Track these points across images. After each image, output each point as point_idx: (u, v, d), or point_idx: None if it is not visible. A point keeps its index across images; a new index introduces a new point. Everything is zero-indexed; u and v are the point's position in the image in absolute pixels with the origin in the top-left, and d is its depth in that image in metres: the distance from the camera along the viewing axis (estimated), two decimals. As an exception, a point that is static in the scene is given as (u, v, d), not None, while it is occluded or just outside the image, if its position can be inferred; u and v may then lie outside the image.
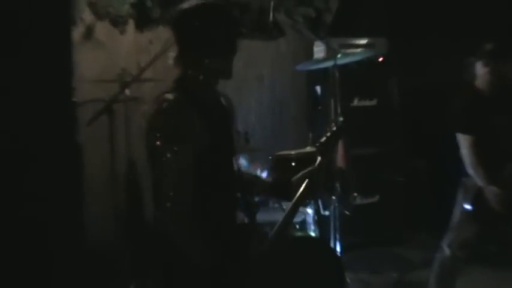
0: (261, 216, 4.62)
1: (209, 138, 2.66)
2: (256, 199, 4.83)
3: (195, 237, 2.58)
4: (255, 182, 3.12)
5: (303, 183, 2.91)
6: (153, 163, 2.65)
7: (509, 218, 4.40)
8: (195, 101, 2.69)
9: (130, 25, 5.69)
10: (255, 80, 6.76)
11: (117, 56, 5.57)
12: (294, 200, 2.89)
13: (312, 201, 5.22)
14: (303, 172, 2.96)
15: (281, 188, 3.04)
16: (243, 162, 5.33)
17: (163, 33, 5.47)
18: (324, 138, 3.00)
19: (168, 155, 2.56)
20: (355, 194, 5.45)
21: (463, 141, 4.43)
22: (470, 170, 4.40)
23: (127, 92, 4.69)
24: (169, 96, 2.68)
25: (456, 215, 4.56)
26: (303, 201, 2.94)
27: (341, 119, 5.09)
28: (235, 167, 2.97)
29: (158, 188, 2.60)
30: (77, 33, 5.20)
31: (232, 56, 2.80)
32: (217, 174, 2.75)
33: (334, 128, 3.04)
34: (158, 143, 2.59)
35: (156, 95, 2.79)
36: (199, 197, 2.62)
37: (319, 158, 2.97)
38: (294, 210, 2.91)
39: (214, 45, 2.71)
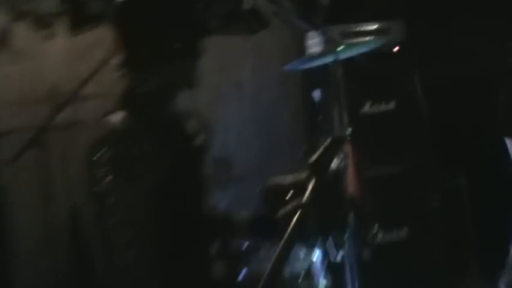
0: (254, 266, 4.64)
1: (167, 170, 2.68)
2: (245, 243, 4.88)
3: None
4: (231, 221, 3.18)
5: (291, 219, 2.84)
6: (100, 207, 2.66)
7: None
8: (147, 124, 2.71)
9: (61, 26, 5.69)
10: (233, 89, 6.82)
11: (44, 69, 5.58)
12: (281, 244, 2.81)
13: (320, 242, 5.22)
14: (291, 205, 3.10)
15: (263, 227, 3.05)
16: None
17: (108, 34, 5.47)
18: (317, 154, 2.96)
19: (118, 196, 2.58)
20: (376, 228, 5.42)
21: (515, 147, 4.41)
22: None
23: (62, 115, 4.66)
24: (114, 119, 2.69)
25: None
26: (293, 244, 2.87)
27: (349, 130, 5.08)
28: (209, 204, 3.00)
29: (110, 239, 2.61)
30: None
31: (196, 58, 2.85)
32: (182, 214, 2.75)
33: (330, 140, 3.01)
34: (102, 181, 2.60)
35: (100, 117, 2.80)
36: (163, 244, 2.65)
37: (313, 180, 2.92)
38: (282, 258, 2.83)
39: (169, 45, 2.75)
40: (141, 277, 2.58)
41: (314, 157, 2.97)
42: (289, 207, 3.00)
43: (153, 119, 2.75)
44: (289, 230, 2.81)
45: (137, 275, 2.58)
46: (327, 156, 2.99)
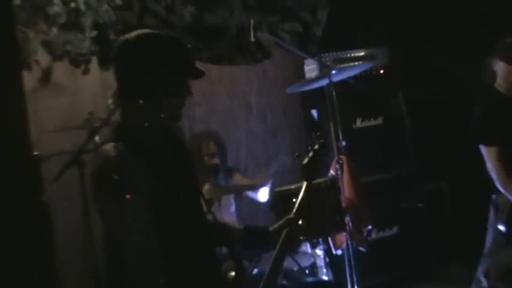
0: (263, 266, 4.66)
1: (161, 186, 2.61)
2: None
3: None
4: (223, 231, 3.06)
5: (281, 233, 2.92)
6: (107, 226, 2.62)
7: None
8: (139, 149, 2.63)
9: (94, 63, 5.73)
10: (243, 111, 6.81)
11: (81, 100, 5.59)
12: (274, 255, 2.89)
13: (321, 240, 5.23)
14: (280, 222, 2.99)
15: (257, 238, 3.04)
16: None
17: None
18: (306, 160, 3.05)
19: (121, 220, 2.51)
20: (370, 227, 5.43)
21: (489, 154, 4.46)
22: (500, 186, 4.42)
23: (97, 138, 4.67)
24: (107, 148, 2.61)
25: (489, 238, 4.56)
26: (284, 254, 2.94)
27: (344, 143, 5.10)
28: (207, 212, 2.94)
29: (126, 259, 2.53)
30: (33, 77, 5.23)
31: (182, 98, 2.75)
32: (181, 223, 2.70)
33: (316, 147, 3.08)
34: (104, 203, 2.55)
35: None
36: (167, 251, 2.57)
37: (305, 183, 3.01)
38: (276, 266, 2.90)
39: (156, 85, 2.66)
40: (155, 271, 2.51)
41: (305, 161, 3.06)
42: (277, 225, 2.95)
43: (143, 145, 2.66)
44: (278, 245, 2.88)
45: (152, 268, 2.50)
46: (315, 162, 3.07)
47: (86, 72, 5.67)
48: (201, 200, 2.89)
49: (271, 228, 2.98)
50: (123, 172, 2.53)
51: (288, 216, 2.97)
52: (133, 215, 2.51)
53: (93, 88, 5.68)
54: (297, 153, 3.17)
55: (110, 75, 5.52)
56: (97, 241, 4.42)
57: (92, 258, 4.46)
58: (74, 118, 5.19)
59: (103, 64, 5.75)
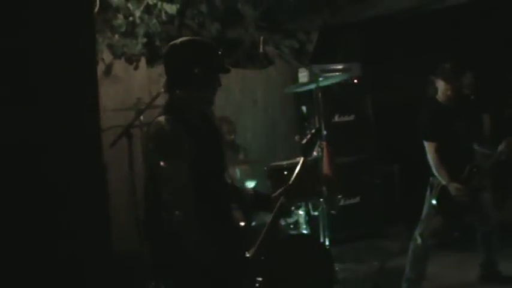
0: (259, 220, 4.69)
1: (196, 152, 2.63)
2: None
3: (202, 239, 2.57)
4: (238, 193, 3.04)
5: (278, 200, 2.87)
6: (155, 177, 2.62)
7: (467, 208, 4.47)
8: (182, 122, 2.65)
9: (143, 62, 5.74)
10: (250, 104, 6.80)
11: (132, 88, 5.60)
12: (272, 216, 2.85)
13: (304, 204, 5.26)
14: (279, 190, 2.92)
15: (261, 202, 3.00)
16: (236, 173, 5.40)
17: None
18: (304, 140, 2.98)
19: (168, 169, 2.55)
20: (340, 196, 5.48)
21: (429, 147, 4.50)
22: (435, 171, 4.47)
23: (142, 118, 4.71)
24: (161, 119, 2.65)
25: (425, 209, 4.61)
26: (278, 218, 2.90)
27: (325, 132, 5.15)
28: (227, 178, 2.93)
29: (165, 199, 2.57)
30: (99, 70, 5.25)
31: (214, 88, 2.76)
32: (210, 182, 2.72)
33: (313, 131, 3.03)
34: (157, 159, 2.57)
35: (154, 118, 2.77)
36: (198, 203, 2.60)
37: (302, 158, 2.94)
38: (272, 225, 2.86)
39: (195, 78, 2.68)
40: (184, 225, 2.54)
41: (304, 141, 2.98)
42: (277, 193, 2.91)
43: (185, 119, 2.66)
44: (276, 208, 2.83)
45: (180, 223, 2.53)
46: (311, 142, 3.00)
47: (136, 68, 5.69)
48: (223, 165, 2.91)
49: (272, 195, 2.94)
50: (173, 137, 2.58)
51: (287, 185, 2.89)
52: (178, 169, 2.55)
53: (141, 80, 5.70)
54: (297, 136, 3.09)
55: (153, 72, 5.66)
56: (139, 193, 4.47)
57: (134, 205, 4.51)
58: (126, 102, 5.24)
59: (149, 63, 5.78)
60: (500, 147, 4.49)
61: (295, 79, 6.46)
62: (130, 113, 4.81)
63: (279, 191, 2.93)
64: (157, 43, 5.63)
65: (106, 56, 5.45)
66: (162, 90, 2.81)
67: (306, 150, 2.98)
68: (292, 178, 2.90)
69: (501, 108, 6.76)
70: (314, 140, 3.03)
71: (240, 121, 6.36)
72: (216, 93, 2.79)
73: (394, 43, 6.84)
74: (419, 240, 4.55)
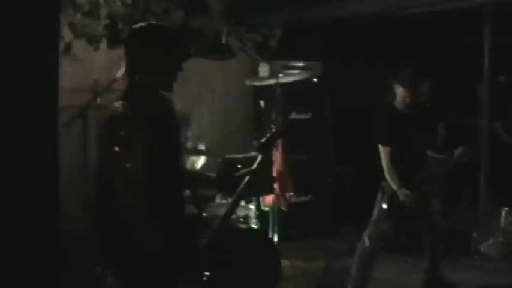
0: (209, 211, 4.69)
1: (154, 140, 2.62)
2: (205, 194, 4.83)
3: (152, 227, 2.56)
4: (203, 179, 3.10)
5: (244, 179, 2.90)
6: (108, 162, 2.61)
7: (416, 214, 4.54)
8: (139, 109, 2.64)
9: (104, 43, 5.66)
10: (209, 93, 6.77)
11: (91, 69, 5.55)
12: (236, 193, 2.89)
13: (254, 199, 5.28)
14: (245, 170, 2.94)
15: (225, 183, 3.01)
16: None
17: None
18: (264, 139, 2.99)
19: (120, 155, 2.54)
20: (292, 193, 5.51)
21: (383, 152, 4.54)
22: (387, 176, 4.52)
23: (98, 100, 4.65)
24: (117, 104, 2.64)
25: (375, 212, 4.65)
26: (244, 194, 2.92)
27: (273, 129, 5.16)
28: (184, 166, 2.92)
29: (116, 184, 2.56)
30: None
31: (175, 73, 2.75)
32: (164, 171, 2.71)
33: (274, 130, 3.04)
34: (110, 144, 2.56)
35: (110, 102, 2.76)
36: (150, 192, 2.59)
37: (259, 156, 2.95)
38: (236, 202, 2.91)
39: (155, 63, 2.67)
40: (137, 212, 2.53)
41: (261, 141, 2.99)
42: (242, 171, 2.90)
43: (142, 106, 2.64)
44: (240, 186, 2.87)
45: (134, 209, 2.52)
46: (270, 142, 3.02)
47: (96, 49, 5.61)
48: (180, 156, 2.90)
49: (236, 174, 2.94)
50: (127, 123, 2.56)
51: (251, 168, 2.90)
52: (130, 155, 2.54)
53: (101, 62, 5.64)
54: (256, 134, 3.08)
55: (114, 54, 5.58)
56: (90, 176, 4.41)
57: (85, 188, 4.44)
58: (83, 83, 5.15)
59: (110, 45, 5.69)
60: (457, 152, 4.54)
61: (255, 73, 6.46)
62: (87, 94, 4.73)
63: (243, 171, 2.93)
64: (120, 26, 5.56)
65: (66, 34, 5.34)
66: (121, 74, 2.77)
67: (263, 149, 2.98)
68: (253, 167, 2.91)
69: (457, 118, 6.91)
70: (273, 140, 3.04)
71: (197, 110, 6.32)
72: (176, 79, 2.78)
73: (357, 46, 6.89)
74: (367, 243, 4.61)
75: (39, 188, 2.60)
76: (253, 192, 5.00)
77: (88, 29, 5.40)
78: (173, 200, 2.79)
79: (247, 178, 2.88)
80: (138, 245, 2.57)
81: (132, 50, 2.73)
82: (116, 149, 2.54)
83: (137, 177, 2.55)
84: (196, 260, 2.70)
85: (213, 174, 3.10)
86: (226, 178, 3.01)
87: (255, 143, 6.17)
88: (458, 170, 4.72)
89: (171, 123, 2.86)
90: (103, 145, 2.66)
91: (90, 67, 5.58)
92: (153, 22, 2.87)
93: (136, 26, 2.77)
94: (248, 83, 5.99)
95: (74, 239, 4.51)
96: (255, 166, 2.93)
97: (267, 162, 4.86)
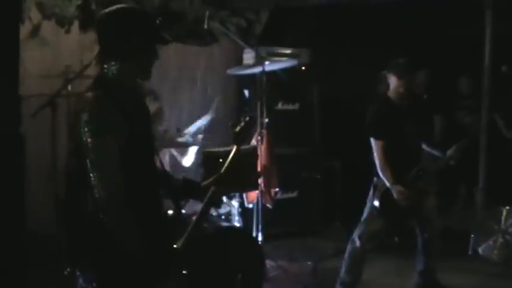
0: (188, 209, 4.67)
1: (128, 131, 2.60)
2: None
3: (129, 223, 2.54)
4: (171, 178, 3.02)
5: (209, 189, 2.87)
6: (81, 155, 2.55)
7: (410, 213, 4.54)
8: (114, 99, 2.60)
9: (75, 25, 5.59)
10: (189, 82, 6.72)
11: (61, 54, 5.45)
12: (202, 206, 2.86)
13: (237, 195, 5.27)
14: (210, 179, 2.92)
15: (191, 190, 3.00)
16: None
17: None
18: (238, 128, 2.97)
19: (96, 148, 2.51)
20: (277, 189, 5.51)
21: (375, 146, 4.53)
22: (379, 171, 4.51)
23: (70, 87, 4.61)
24: (90, 95, 2.59)
25: (367, 210, 4.65)
26: (209, 208, 2.91)
27: (266, 120, 5.15)
28: (158, 163, 2.89)
29: (91, 180, 2.51)
30: (25, 31, 5.06)
31: (151, 60, 2.72)
32: (140, 166, 2.68)
33: (247, 119, 3.02)
34: (85, 137, 2.52)
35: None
36: (126, 187, 2.56)
37: (234, 147, 2.94)
38: (203, 214, 2.88)
39: (131, 48, 2.64)
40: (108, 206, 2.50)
41: (237, 128, 2.96)
42: (208, 181, 2.89)
43: (116, 95, 2.60)
44: (206, 197, 2.82)
45: (103, 204, 2.49)
46: (244, 131, 2.98)
47: (68, 32, 5.53)
48: (153, 147, 2.86)
49: (203, 183, 2.94)
50: (102, 114, 2.53)
51: (218, 174, 2.89)
52: (108, 150, 2.52)
53: (72, 46, 5.55)
54: (231, 123, 3.11)
55: (86, 37, 5.53)
56: (60, 169, 4.37)
57: (54, 183, 4.42)
58: (53, 68, 5.10)
59: (82, 28, 5.62)
60: (450, 152, 4.58)
61: (239, 60, 6.43)
62: (57, 81, 4.69)
63: (210, 179, 2.92)
64: (93, 6, 5.48)
65: (34, 15, 5.28)
66: (94, 60, 2.73)
67: (238, 139, 2.97)
68: (224, 167, 2.90)
69: (453, 111, 6.94)
70: (248, 128, 3.02)
71: (176, 99, 6.30)
72: (153, 66, 2.74)
73: (348, 32, 6.87)
74: (357, 243, 4.60)
75: (1, 184, 2.54)
76: (234, 187, 4.98)
77: (58, 10, 5.32)
78: (150, 195, 2.76)
79: (210, 191, 2.85)
80: (112, 243, 2.54)
81: (104, 35, 2.69)
82: (91, 141, 2.50)
83: (115, 172, 2.52)
84: (174, 259, 2.68)
85: (178, 178, 3.06)
86: (191, 185, 3.00)
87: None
88: (455, 166, 4.74)
89: (143, 113, 2.84)
90: (74, 137, 2.62)
91: (61, 51, 5.49)
92: (129, 4, 2.81)
93: (110, 8, 2.71)
94: (231, 71, 5.97)
95: (43, 237, 4.49)
96: (230, 157, 2.92)
97: (249, 154, 4.84)
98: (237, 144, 2.96)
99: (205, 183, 2.93)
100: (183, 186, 3.00)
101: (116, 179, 2.52)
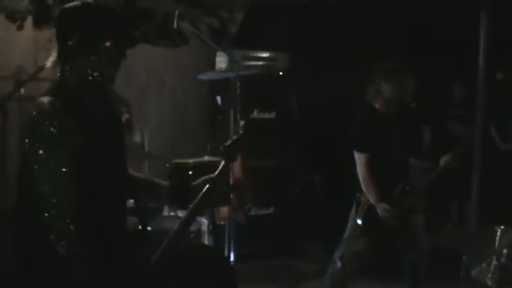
0: (156, 225, 4.62)
1: (87, 142, 2.52)
2: (151, 205, 4.79)
3: (82, 245, 2.43)
4: (153, 186, 2.98)
5: (203, 188, 2.82)
6: (30, 171, 2.47)
7: (396, 232, 4.47)
8: (72, 105, 2.53)
9: (29, 22, 5.53)
10: (157, 87, 6.75)
11: (13, 53, 5.43)
12: (192, 206, 2.79)
13: (208, 211, 5.22)
14: (203, 178, 2.87)
15: (179, 193, 2.93)
16: None
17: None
18: (229, 142, 2.92)
19: (46, 161, 2.43)
20: (251, 205, 5.48)
21: (359, 159, 4.46)
22: (363, 186, 4.44)
23: (22, 90, 4.55)
24: (44, 100, 2.49)
25: (348, 228, 4.57)
26: (202, 207, 2.85)
27: (241, 130, 5.07)
28: (129, 172, 2.83)
29: (40, 196, 2.42)
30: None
31: (116, 63, 2.65)
32: (101, 178, 2.61)
33: (241, 132, 2.99)
34: (34, 150, 2.44)
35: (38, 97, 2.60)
36: (83, 202, 2.48)
37: (222, 162, 2.89)
38: (192, 216, 2.82)
39: (94, 48, 2.57)
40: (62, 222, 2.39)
41: (226, 144, 2.91)
42: (199, 181, 2.84)
43: (74, 102, 2.54)
44: (198, 197, 2.78)
45: (58, 219, 2.40)
46: (236, 146, 2.94)
47: (20, 28, 5.47)
48: (125, 160, 2.79)
49: (193, 184, 2.88)
50: (55, 125, 2.43)
51: (212, 174, 2.86)
52: (58, 163, 2.43)
53: (25, 44, 5.51)
54: (212, 135, 3.03)
55: (41, 35, 5.44)
56: (10, 181, 4.32)
57: (2, 196, 4.35)
58: (3, 69, 5.03)
59: (37, 24, 5.54)
60: (444, 159, 4.52)
61: (211, 63, 6.37)
62: (8, 83, 4.66)
63: (201, 178, 2.87)
64: (50, 1, 5.39)
65: (-19, 8, 5.22)
66: (50, 62, 2.60)
67: (228, 154, 2.91)
68: (216, 173, 2.85)
69: (445, 120, 6.97)
70: (240, 143, 2.96)
71: (143, 106, 6.29)
72: (119, 69, 2.66)
73: (330, 35, 6.85)
74: (338, 264, 4.52)
75: None
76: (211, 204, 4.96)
77: (9, 3, 5.25)
78: (112, 212, 2.68)
79: (206, 188, 2.80)
80: (64, 267, 2.44)
81: (63, 34, 2.59)
82: (41, 153, 2.41)
83: (66, 189, 2.43)
84: (138, 282, 2.61)
85: (164, 182, 2.99)
86: (180, 188, 2.92)
87: (210, 146, 6.13)
88: (445, 181, 4.72)
89: (111, 123, 2.75)
90: (26, 148, 2.50)
91: (12, 50, 5.46)
92: (90, 0, 2.72)
93: (70, 3, 2.62)
94: (203, 75, 5.94)
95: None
96: (216, 174, 2.85)
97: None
98: (225, 160, 2.90)
99: (195, 183, 2.87)
100: (171, 190, 2.94)
101: (68, 197, 2.43)
